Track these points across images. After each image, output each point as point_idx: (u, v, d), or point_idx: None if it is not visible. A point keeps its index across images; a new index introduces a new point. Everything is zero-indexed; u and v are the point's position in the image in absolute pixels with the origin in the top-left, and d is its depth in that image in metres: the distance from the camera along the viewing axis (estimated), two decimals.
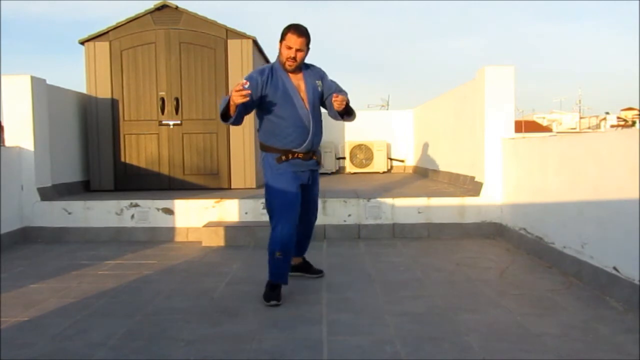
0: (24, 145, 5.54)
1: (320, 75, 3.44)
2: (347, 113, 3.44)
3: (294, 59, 3.23)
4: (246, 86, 3.01)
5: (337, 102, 3.25)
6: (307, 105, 3.30)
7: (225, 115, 3.14)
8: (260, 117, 3.37)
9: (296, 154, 3.32)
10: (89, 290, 3.63)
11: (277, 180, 3.30)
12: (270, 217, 3.38)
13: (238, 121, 3.18)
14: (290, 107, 3.26)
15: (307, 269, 3.87)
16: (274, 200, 3.34)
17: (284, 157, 3.30)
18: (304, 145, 3.31)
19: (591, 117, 66.07)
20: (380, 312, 3.08)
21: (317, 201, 3.71)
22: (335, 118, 3.50)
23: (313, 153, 3.40)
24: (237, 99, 2.93)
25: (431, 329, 2.80)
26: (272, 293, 3.27)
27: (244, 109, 3.12)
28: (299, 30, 3.21)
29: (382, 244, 5.01)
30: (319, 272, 3.88)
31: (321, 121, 3.43)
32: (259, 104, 3.26)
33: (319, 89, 3.39)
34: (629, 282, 3.13)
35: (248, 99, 2.96)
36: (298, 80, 3.32)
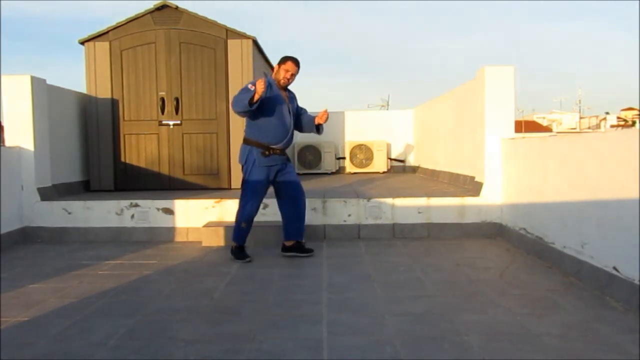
0: (24, 145, 5.54)
1: (294, 98, 4.56)
2: (320, 127, 4.59)
3: (288, 79, 4.38)
4: (267, 78, 4.16)
5: (323, 118, 4.41)
6: (290, 114, 4.40)
7: (251, 109, 4.10)
8: (253, 115, 4.27)
9: (273, 150, 4.33)
10: (89, 290, 3.63)
11: (255, 173, 4.35)
12: (241, 197, 4.44)
13: (255, 107, 4.11)
14: (278, 112, 4.31)
15: (299, 249, 4.56)
16: (249, 187, 4.39)
17: (267, 152, 4.31)
18: (282, 142, 4.36)
19: (591, 117, 66.07)
20: (380, 312, 3.08)
21: (299, 184, 4.58)
22: (307, 131, 4.61)
23: (284, 150, 4.43)
24: (261, 87, 3.97)
25: (431, 329, 2.80)
26: (242, 253, 4.43)
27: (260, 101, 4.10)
28: (296, 61, 4.37)
29: (382, 244, 5.01)
30: (310, 251, 4.57)
31: (293, 129, 4.50)
32: (259, 105, 4.13)
33: (294, 109, 4.52)
34: (629, 282, 3.13)
35: (264, 89, 4.03)
36: (284, 95, 4.41)
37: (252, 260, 4.36)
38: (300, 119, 4.58)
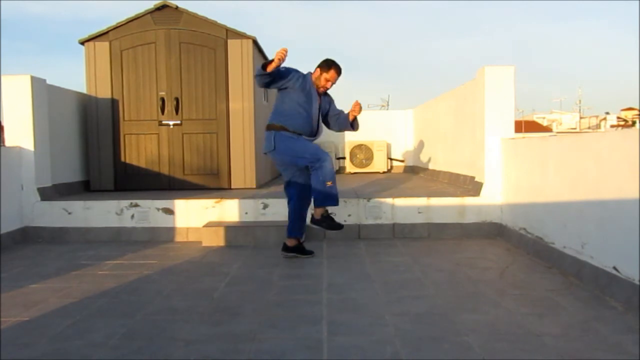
0: (24, 145, 5.54)
1: (329, 101, 4.55)
2: (355, 122, 4.52)
3: (327, 88, 4.40)
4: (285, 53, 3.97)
5: (356, 110, 4.40)
6: (318, 112, 4.39)
7: (263, 73, 4.03)
8: (284, 101, 4.28)
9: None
10: (89, 290, 3.63)
11: (298, 140, 4.25)
12: (313, 161, 4.20)
13: (269, 78, 4.09)
14: (307, 104, 4.29)
15: (300, 250, 4.51)
16: (307, 150, 4.23)
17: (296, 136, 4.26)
18: (309, 132, 4.33)
19: (591, 117, 66.03)
20: (380, 312, 3.08)
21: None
22: (342, 127, 4.56)
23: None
24: (280, 55, 3.93)
25: (431, 329, 2.80)
26: (334, 222, 4.36)
27: (277, 73, 4.09)
28: (339, 71, 4.36)
29: (382, 244, 5.01)
30: (310, 253, 4.53)
31: (319, 124, 4.49)
32: (287, 92, 4.24)
33: (324, 110, 4.52)
34: (629, 282, 3.13)
35: (284, 59, 3.97)
36: (318, 96, 4.38)
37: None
38: (333, 118, 4.53)
